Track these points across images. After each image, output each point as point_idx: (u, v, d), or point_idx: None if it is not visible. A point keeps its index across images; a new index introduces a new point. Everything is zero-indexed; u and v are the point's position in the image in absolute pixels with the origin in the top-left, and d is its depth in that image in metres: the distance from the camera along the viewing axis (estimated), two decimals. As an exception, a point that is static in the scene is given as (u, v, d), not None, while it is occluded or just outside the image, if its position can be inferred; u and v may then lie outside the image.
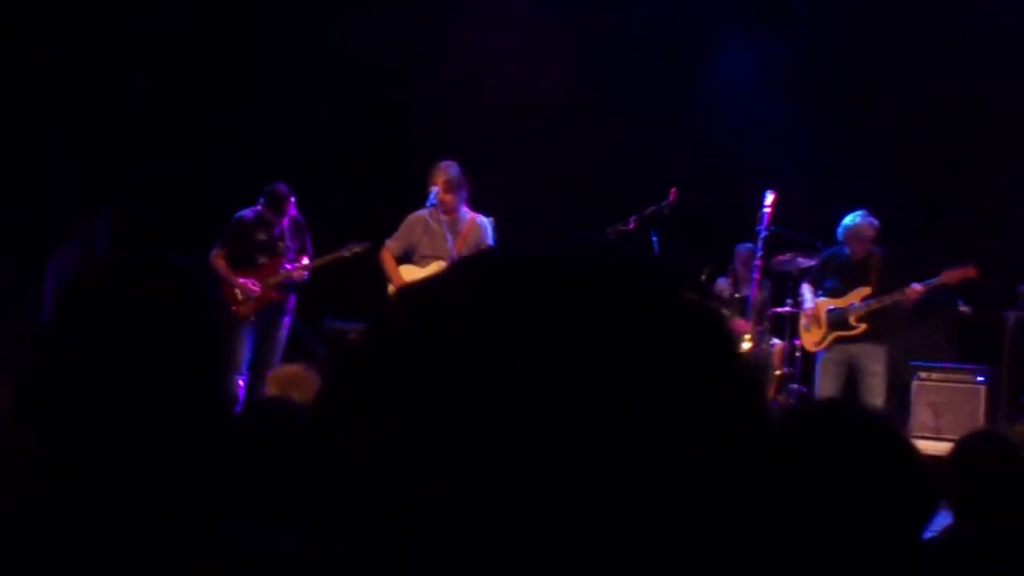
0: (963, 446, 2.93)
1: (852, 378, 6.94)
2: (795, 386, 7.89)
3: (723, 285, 8.18)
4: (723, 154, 8.42)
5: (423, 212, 6.75)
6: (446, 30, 9.13)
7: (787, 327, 7.72)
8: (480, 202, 7.20)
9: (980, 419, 6.80)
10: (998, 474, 2.57)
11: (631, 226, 7.79)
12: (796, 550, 1.49)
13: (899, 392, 7.48)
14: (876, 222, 6.95)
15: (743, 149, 8.26)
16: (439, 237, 6.65)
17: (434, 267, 6.76)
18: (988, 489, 2.72)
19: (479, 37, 8.89)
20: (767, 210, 7.25)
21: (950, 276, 6.69)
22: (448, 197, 6.62)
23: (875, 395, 6.80)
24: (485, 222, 6.87)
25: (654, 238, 7.98)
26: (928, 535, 2.07)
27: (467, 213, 6.79)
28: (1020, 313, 6.71)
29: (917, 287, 6.73)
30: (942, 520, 2.59)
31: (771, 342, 7.91)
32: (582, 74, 9.03)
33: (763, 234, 7.28)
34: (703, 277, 8.11)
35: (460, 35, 8.99)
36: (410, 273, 6.67)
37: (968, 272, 6.65)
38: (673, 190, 7.67)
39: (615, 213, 7.91)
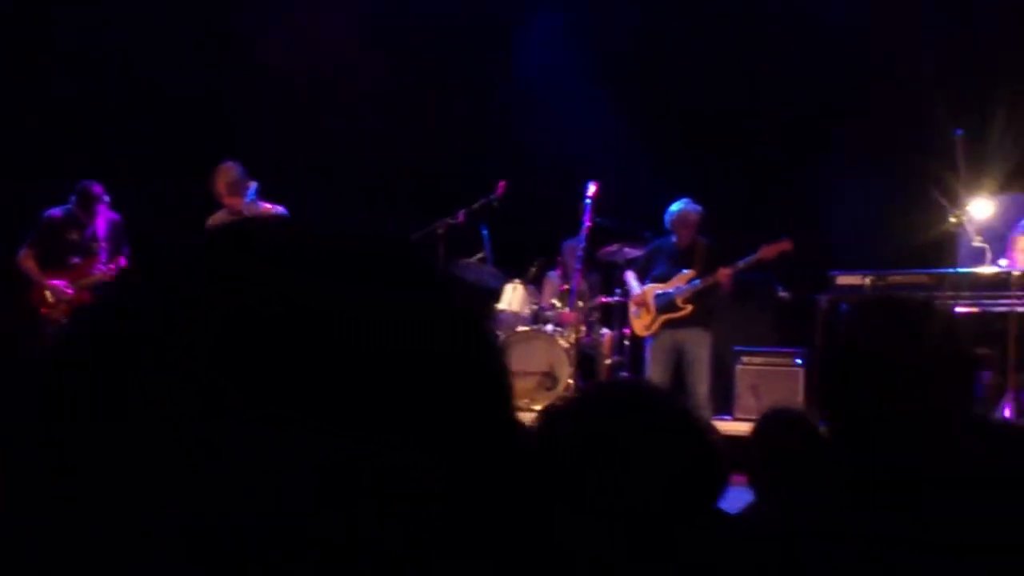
0: (762, 425, 3.00)
1: (679, 364, 7.09)
2: (625, 374, 8.03)
3: (554, 278, 8.25)
4: (551, 148, 8.48)
5: (220, 214, 6.66)
6: (256, 20, 8.89)
7: (616, 316, 7.84)
8: (293, 197, 7.08)
9: (799, 400, 7.05)
10: (795, 451, 2.63)
11: (460, 220, 7.81)
12: (594, 536, 1.48)
13: (724, 376, 7.71)
14: (699, 208, 7.14)
15: (570, 142, 8.34)
16: None
17: None
18: (786, 467, 2.79)
19: (293, 27, 8.71)
20: (589, 201, 7.36)
21: (767, 251, 6.92)
22: (233, 200, 6.51)
23: (701, 380, 6.99)
24: (282, 212, 6.76)
25: (484, 232, 8.02)
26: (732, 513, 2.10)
27: (260, 208, 6.68)
28: (831, 297, 7.00)
29: (725, 270, 6.94)
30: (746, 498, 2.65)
31: (601, 332, 8.02)
32: (402, 69, 8.95)
33: (586, 225, 7.38)
34: (533, 270, 8.16)
35: (276, 24, 8.77)
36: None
37: (783, 246, 6.90)
38: (501, 183, 7.72)
39: (444, 207, 7.90)
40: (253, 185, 6.70)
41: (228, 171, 6.63)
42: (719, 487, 1.63)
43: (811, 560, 1.61)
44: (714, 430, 1.63)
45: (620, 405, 1.61)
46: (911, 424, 1.67)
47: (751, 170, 8.37)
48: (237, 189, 6.58)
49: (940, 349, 1.69)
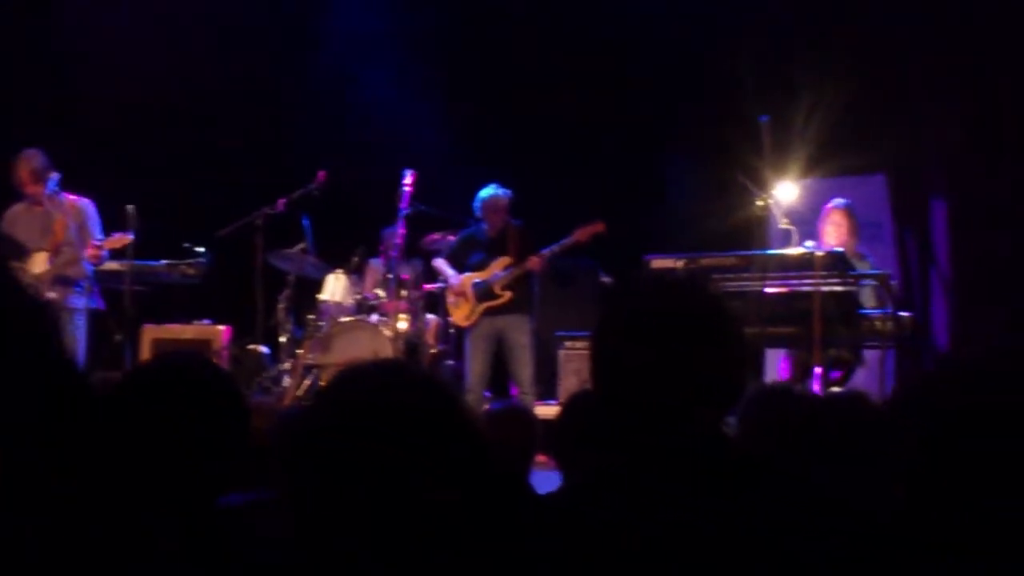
0: (569, 407, 3.02)
1: (501, 350, 7.11)
2: (450, 362, 8.02)
3: (376, 266, 8.16)
4: (372, 136, 8.39)
5: (19, 206, 6.62)
6: (63, 10, 8.49)
7: (441, 305, 7.82)
8: (111, 190, 6.83)
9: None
10: (601, 433, 2.65)
11: (280, 209, 7.65)
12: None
13: (548, 361, 7.79)
14: (509, 192, 7.18)
15: (392, 130, 8.27)
16: (35, 230, 6.61)
17: (40, 258, 6.61)
18: (592, 448, 2.81)
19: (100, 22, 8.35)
20: (406, 189, 7.31)
21: (581, 234, 7.02)
22: (35, 189, 6.40)
23: (523, 366, 7.02)
24: (86, 204, 6.76)
25: (306, 221, 7.87)
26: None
27: (64, 198, 6.49)
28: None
29: (536, 257, 7.00)
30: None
31: (426, 320, 7.98)
32: (215, 59, 8.71)
33: (404, 212, 7.33)
34: (355, 259, 8.05)
35: (83, 18, 8.38)
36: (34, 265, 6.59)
37: (597, 228, 7.01)
38: (321, 172, 7.60)
39: (264, 197, 7.72)
40: (55, 176, 6.52)
41: (32, 158, 6.52)
42: (485, 465, 1.62)
43: (614, 538, 1.60)
44: (474, 412, 1.62)
45: (377, 389, 1.58)
46: (675, 399, 1.67)
47: (573, 156, 8.48)
48: (40, 177, 6.48)
49: (703, 323, 1.69)
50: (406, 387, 1.59)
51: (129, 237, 6.72)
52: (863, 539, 1.58)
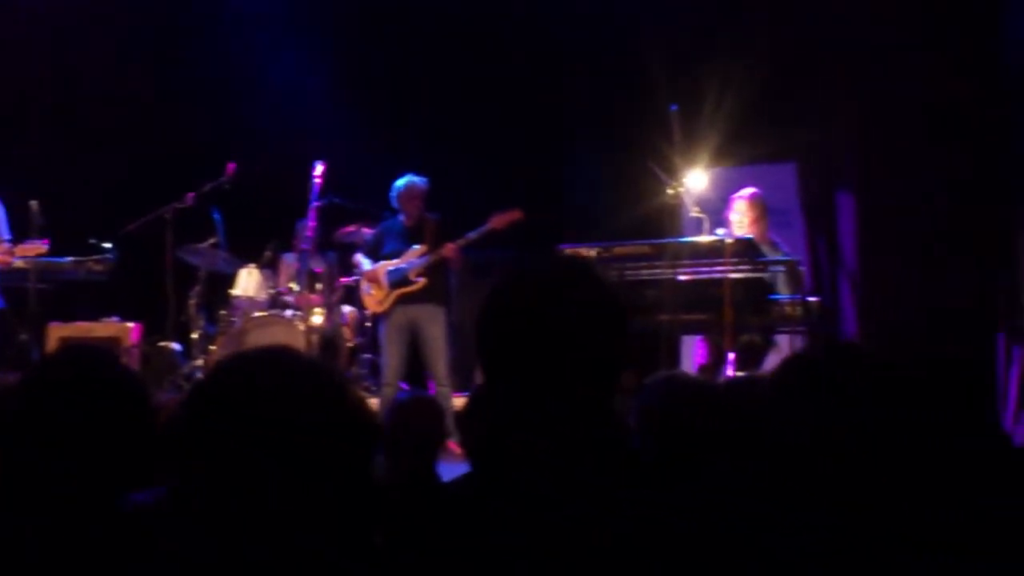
0: (470, 395, 3.02)
1: (416, 342, 7.06)
2: (367, 356, 7.97)
3: (290, 260, 8.06)
4: (283, 127, 8.29)
5: None
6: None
7: (357, 298, 7.75)
8: (14, 185, 6.66)
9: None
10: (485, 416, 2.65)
11: (190, 203, 7.51)
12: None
13: (468, 353, 7.77)
14: (425, 181, 7.15)
15: (303, 121, 8.18)
16: None
17: None
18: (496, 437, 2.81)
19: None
20: (317, 180, 7.23)
21: (497, 221, 7.00)
22: None
23: (439, 357, 6.97)
24: None
25: (216, 215, 7.73)
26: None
27: None
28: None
29: (451, 244, 6.98)
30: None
31: (343, 313, 7.91)
32: (120, 51, 8.53)
33: (315, 204, 7.25)
34: (268, 253, 7.94)
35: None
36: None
37: (513, 215, 7.00)
38: (231, 165, 7.48)
39: (172, 191, 7.58)
40: None
41: None
42: (368, 449, 1.61)
43: (520, 524, 1.60)
44: (359, 395, 1.62)
45: (257, 373, 1.56)
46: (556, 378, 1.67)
47: (488, 146, 8.47)
48: None
49: (588, 309, 1.69)
50: (289, 372, 1.57)
51: (44, 247, 6.55)
52: (741, 527, 1.61)
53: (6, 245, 6.59)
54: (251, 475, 1.47)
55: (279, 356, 1.62)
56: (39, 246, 6.51)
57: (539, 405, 1.65)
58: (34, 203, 6.68)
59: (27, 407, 1.83)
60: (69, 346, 3.27)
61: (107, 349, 2.37)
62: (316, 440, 1.50)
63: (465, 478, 1.80)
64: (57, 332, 7.46)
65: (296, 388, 1.53)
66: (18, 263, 6.82)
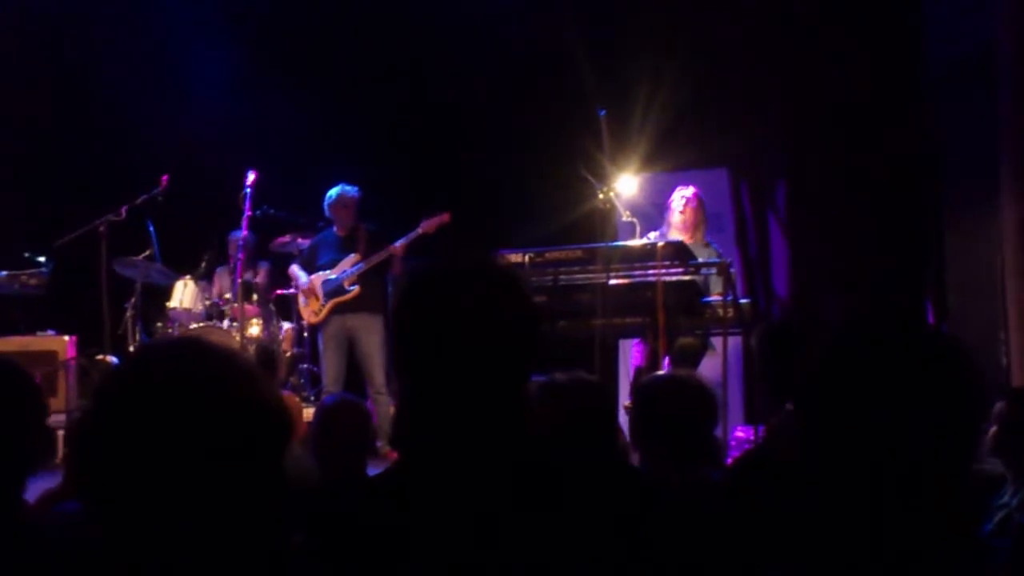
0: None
1: (353, 351, 7.07)
2: (306, 366, 7.95)
3: (225, 271, 8.04)
4: (214, 137, 8.25)
5: None
6: None
7: (294, 308, 7.75)
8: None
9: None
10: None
11: (123, 216, 7.47)
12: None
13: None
14: (356, 190, 7.18)
15: (236, 129, 8.16)
16: None
17: None
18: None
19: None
20: (249, 190, 7.23)
21: (427, 225, 7.04)
22: None
23: (376, 365, 6.99)
24: None
25: (151, 227, 7.70)
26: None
27: None
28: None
29: (399, 243, 7.00)
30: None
31: (280, 324, 7.90)
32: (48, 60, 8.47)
33: (247, 214, 7.24)
34: (203, 265, 7.91)
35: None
36: None
37: (442, 219, 7.05)
38: (164, 176, 7.45)
39: (105, 204, 7.53)
40: None
41: None
42: (279, 440, 1.62)
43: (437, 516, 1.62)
44: (271, 384, 1.62)
45: (168, 366, 1.57)
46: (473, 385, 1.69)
47: (417, 153, 8.49)
48: None
49: (495, 308, 1.70)
50: (198, 362, 1.57)
51: None
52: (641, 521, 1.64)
53: None
54: (161, 467, 1.45)
55: (187, 344, 1.63)
56: None
57: (445, 406, 1.68)
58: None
59: None
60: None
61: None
62: (226, 429, 1.48)
63: (385, 475, 1.81)
64: (-9, 346, 7.37)
65: (205, 375, 1.52)
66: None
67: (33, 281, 7.19)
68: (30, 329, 7.63)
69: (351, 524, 1.68)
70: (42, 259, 7.25)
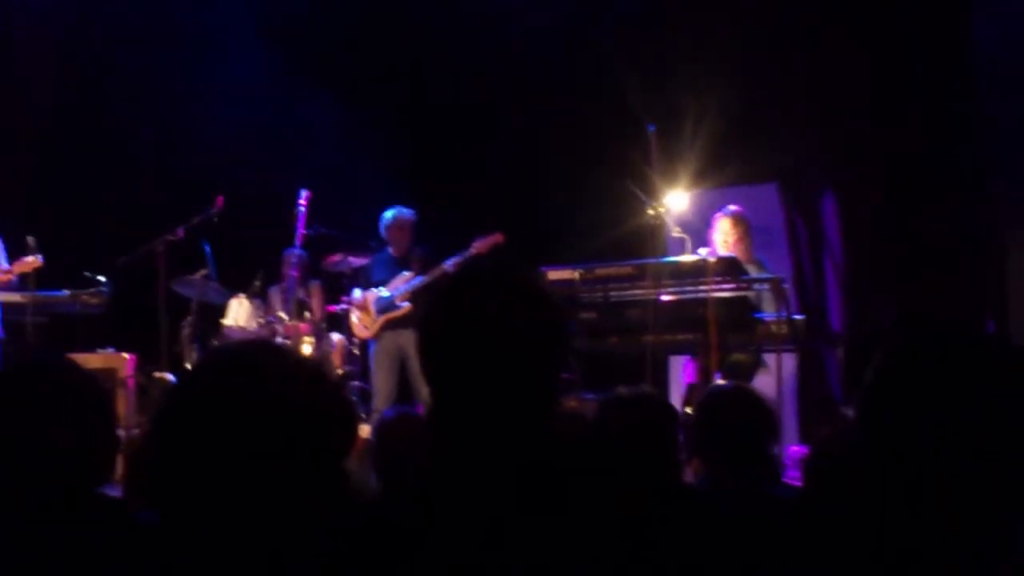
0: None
1: (404, 367, 7.12)
2: (357, 383, 8.01)
3: (278, 290, 8.13)
4: (268, 158, 8.38)
5: None
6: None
7: (345, 326, 7.82)
8: (11, 220, 6.80)
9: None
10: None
11: (180, 236, 7.61)
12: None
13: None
14: (412, 212, 7.26)
15: (289, 150, 8.28)
16: None
17: None
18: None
19: None
20: (302, 209, 7.33)
21: (480, 246, 7.08)
22: None
23: (425, 383, 7.01)
24: None
25: (207, 247, 7.83)
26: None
27: None
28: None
29: (451, 262, 7.05)
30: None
31: (331, 342, 7.97)
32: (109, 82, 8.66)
33: (300, 233, 7.34)
34: (257, 283, 8.02)
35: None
36: None
37: (495, 239, 7.09)
38: (220, 198, 7.58)
39: (163, 224, 7.68)
40: None
41: None
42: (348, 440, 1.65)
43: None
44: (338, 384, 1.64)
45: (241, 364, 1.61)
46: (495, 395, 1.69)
47: (469, 171, 8.54)
48: None
49: (523, 318, 1.68)
50: (270, 366, 1.60)
51: (39, 261, 6.66)
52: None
53: (5, 267, 6.72)
54: (234, 463, 1.50)
55: (258, 348, 1.67)
56: (35, 260, 6.63)
57: (467, 414, 1.67)
58: (31, 238, 6.80)
59: None
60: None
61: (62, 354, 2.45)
62: (298, 427, 1.52)
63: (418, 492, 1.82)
64: (52, 364, 7.50)
65: (279, 374, 1.56)
66: (15, 296, 6.93)
67: (94, 300, 7.34)
68: (90, 347, 7.78)
69: (374, 535, 1.69)
70: (102, 278, 7.40)
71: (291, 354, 1.73)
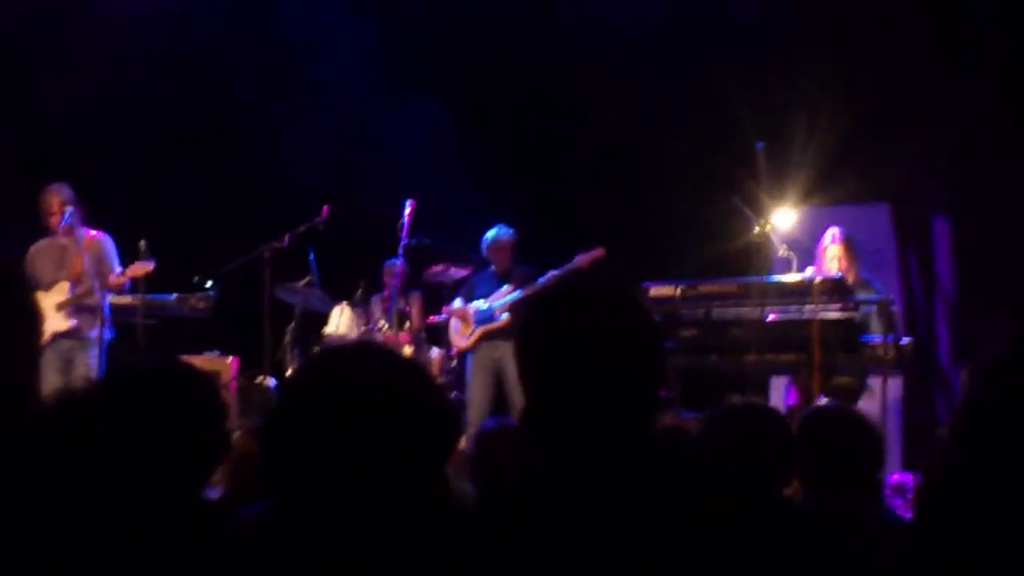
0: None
1: (501, 379, 7.13)
2: (454, 394, 8.03)
3: (379, 299, 8.22)
4: (374, 169, 8.49)
5: (44, 240, 6.83)
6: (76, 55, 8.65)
7: (443, 337, 7.86)
8: (123, 225, 7.00)
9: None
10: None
11: (286, 244, 7.75)
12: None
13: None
14: (512, 232, 7.31)
15: (393, 162, 8.37)
16: (53, 262, 6.82)
17: (60, 289, 6.76)
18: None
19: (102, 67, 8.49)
20: (407, 220, 7.39)
21: (582, 261, 7.06)
22: (55, 221, 6.70)
23: (521, 395, 7.01)
24: (102, 237, 6.97)
25: (311, 255, 7.97)
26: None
27: (82, 232, 6.82)
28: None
29: (553, 275, 7.04)
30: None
31: (430, 352, 8.02)
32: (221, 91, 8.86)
33: (404, 243, 7.42)
34: (359, 292, 8.12)
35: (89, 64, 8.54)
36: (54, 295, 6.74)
37: (597, 254, 7.05)
38: (325, 207, 7.70)
39: (269, 231, 7.83)
40: (70, 209, 6.70)
41: (56, 192, 6.77)
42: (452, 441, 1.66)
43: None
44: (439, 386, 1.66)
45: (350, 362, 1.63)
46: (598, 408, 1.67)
47: (572, 184, 8.53)
48: (59, 210, 6.71)
49: (621, 332, 1.69)
50: (376, 366, 1.62)
51: (150, 265, 6.84)
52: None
53: (118, 270, 6.92)
54: (340, 467, 1.52)
55: (367, 348, 1.70)
56: (147, 265, 6.81)
57: (567, 430, 1.66)
58: (143, 242, 6.98)
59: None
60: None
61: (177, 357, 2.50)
62: (402, 428, 1.55)
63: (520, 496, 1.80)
64: (160, 365, 7.68)
65: (389, 374, 1.60)
66: (126, 299, 7.12)
67: (200, 304, 7.49)
68: (196, 349, 7.96)
69: (468, 542, 1.67)
70: (209, 283, 7.55)
71: (398, 355, 1.75)
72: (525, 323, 1.75)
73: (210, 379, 2.24)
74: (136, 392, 2.02)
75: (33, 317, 1.92)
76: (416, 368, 1.72)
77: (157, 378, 2.08)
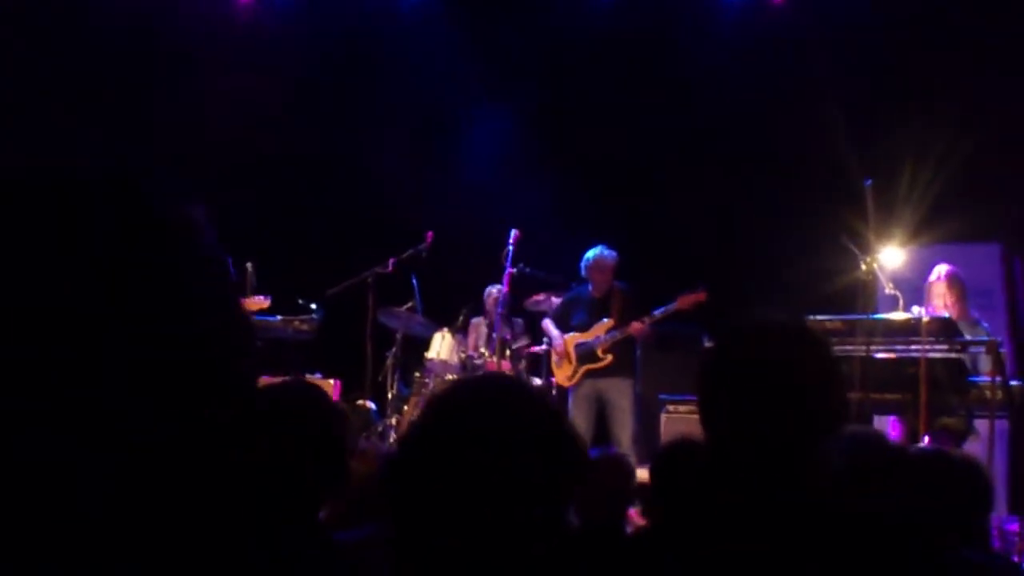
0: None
1: (602, 412, 7.16)
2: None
3: (479, 324, 8.31)
4: (479, 197, 8.60)
5: None
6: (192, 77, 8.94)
7: (544, 366, 7.91)
8: (230, 248, 7.12)
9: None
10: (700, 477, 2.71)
11: (390, 269, 7.89)
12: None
13: (652, 424, 7.78)
14: (614, 254, 7.29)
15: (498, 191, 8.47)
16: None
17: None
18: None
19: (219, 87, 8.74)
20: (511, 247, 7.46)
21: (683, 302, 7.06)
22: None
23: (623, 428, 7.06)
24: None
25: (414, 280, 8.09)
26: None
27: None
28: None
29: (638, 324, 7.08)
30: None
31: (531, 382, 8.07)
32: (338, 124, 9.07)
33: (508, 271, 7.48)
34: (461, 318, 8.21)
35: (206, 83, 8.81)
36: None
37: (699, 296, 7.05)
38: (429, 233, 7.83)
39: (374, 256, 7.97)
40: None
41: None
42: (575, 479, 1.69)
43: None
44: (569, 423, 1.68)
45: (483, 398, 1.67)
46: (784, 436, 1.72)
47: (673, 218, 8.54)
48: None
49: (803, 368, 1.75)
50: (511, 402, 1.66)
51: (267, 302, 6.97)
52: None
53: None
54: (462, 506, 1.52)
55: (503, 380, 1.74)
56: (261, 301, 6.95)
57: (762, 465, 1.71)
58: (249, 265, 7.15)
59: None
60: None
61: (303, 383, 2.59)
62: (528, 468, 1.54)
63: (648, 529, 1.85)
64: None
65: (513, 419, 1.58)
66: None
67: (305, 326, 7.63)
68: (299, 371, 8.11)
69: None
70: (314, 306, 7.70)
71: (532, 389, 1.77)
72: (712, 358, 1.82)
73: (338, 407, 2.30)
74: (272, 416, 2.08)
75: None
76: (548, 402, 1.74)
77: (293, 403, 2.14)
